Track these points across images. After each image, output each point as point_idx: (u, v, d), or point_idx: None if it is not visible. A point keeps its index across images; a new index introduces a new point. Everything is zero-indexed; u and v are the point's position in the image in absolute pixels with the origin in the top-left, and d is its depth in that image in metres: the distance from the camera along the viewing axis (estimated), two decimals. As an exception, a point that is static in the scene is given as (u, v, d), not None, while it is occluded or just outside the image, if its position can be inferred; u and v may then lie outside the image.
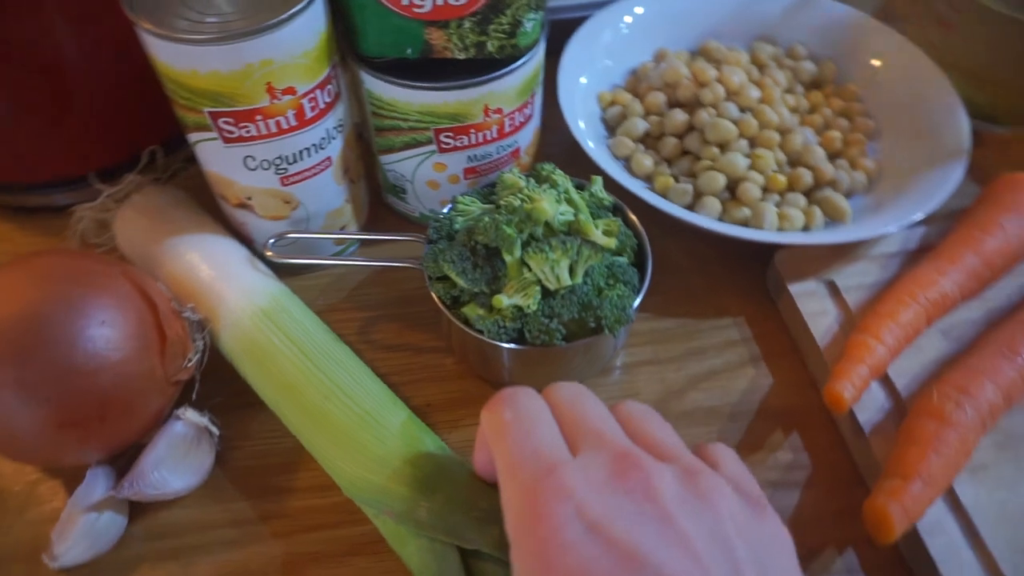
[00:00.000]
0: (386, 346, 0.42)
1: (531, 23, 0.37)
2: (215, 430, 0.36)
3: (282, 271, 0.44)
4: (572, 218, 0.36)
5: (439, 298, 0.36)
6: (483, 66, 0.38)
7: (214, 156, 0.37)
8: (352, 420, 0.34)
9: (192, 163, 0.47)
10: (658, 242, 0.42)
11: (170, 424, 0.35)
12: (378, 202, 0.48)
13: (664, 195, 0.45)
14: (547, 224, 0.35)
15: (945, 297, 0.38)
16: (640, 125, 0.47)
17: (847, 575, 0.34)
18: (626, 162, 0.47)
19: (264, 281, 0.38)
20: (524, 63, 0.39)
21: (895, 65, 0.50)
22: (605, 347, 0.38)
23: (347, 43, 0.38)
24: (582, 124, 0.46)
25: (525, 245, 0.35)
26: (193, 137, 0.37)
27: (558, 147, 0.48)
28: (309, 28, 0.34)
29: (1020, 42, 0.46)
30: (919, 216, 0.40)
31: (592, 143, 0.45)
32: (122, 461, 0.36)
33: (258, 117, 0.35)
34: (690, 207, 0.45)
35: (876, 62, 0.51)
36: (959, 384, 0.34)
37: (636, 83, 0.51)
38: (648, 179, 0.47)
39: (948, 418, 0.33)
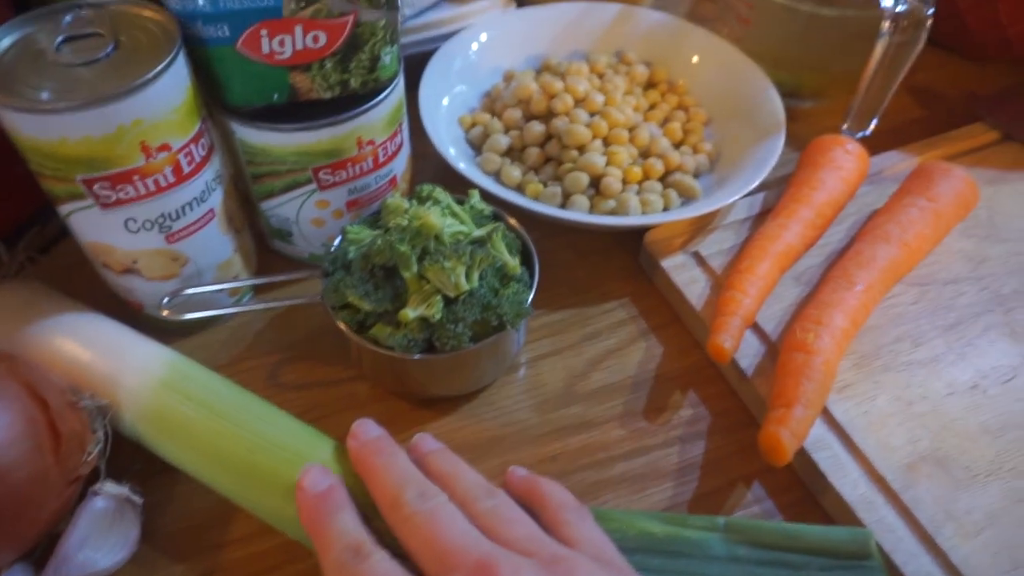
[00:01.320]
0: (297, 386, 0.42)
1: (389, 56, 0.40)
2: (137, 499, 0.35)
3: (178, 334, 0.44)
4: (459, 228, 0.38)
5: (346, 326, 0.37)
6: (349, 102, 0.40)
7: (92, 225, 0.37)
8: (283, 464, 0.34)
9: (43, 251, 0.46)
10: (539, 244, 0.45)
11: (88, 501, 0.34)
12: (265, 249, 0.48)
13: (537, 200, 0.49)
14: (437, 237, 0.37)
15: (790, 247, 0.44)
16: (503, 140, 0.51)
17: (756, 504, 0.38)
18: (496, 176, 0.51)
19: (157, 351, 0.37)
20: (388, 94, 0.41)
21: (712, 59, 0.57)
22: (509, 344, 0.40)
23: (212, 95, 0.39)
24: (452, 149, 0.49)
25: (420, 259, 0.37)
26: (65, 208, 0.36)
27: (431, 172, 0.51)
28: (176, 83, 0.35)
29: (803, 28, 0.54)
30: (754, 184, 0.46)
31: (462, 163, 0.48)
32: (39, 551, 0.34)
33: (135, 177, 0.35)
34: (562, 207, 0.48)
35: (695, 58, 0.58)
36: (814, 318, 0.40)
37: (491, 104, 0.54)
38: (519, 188, 0.50)
39: (811, 348, 0.38)
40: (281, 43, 0.37)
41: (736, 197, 0.46)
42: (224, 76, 0.38)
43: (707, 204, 0.46)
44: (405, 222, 0.37)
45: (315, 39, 0.37)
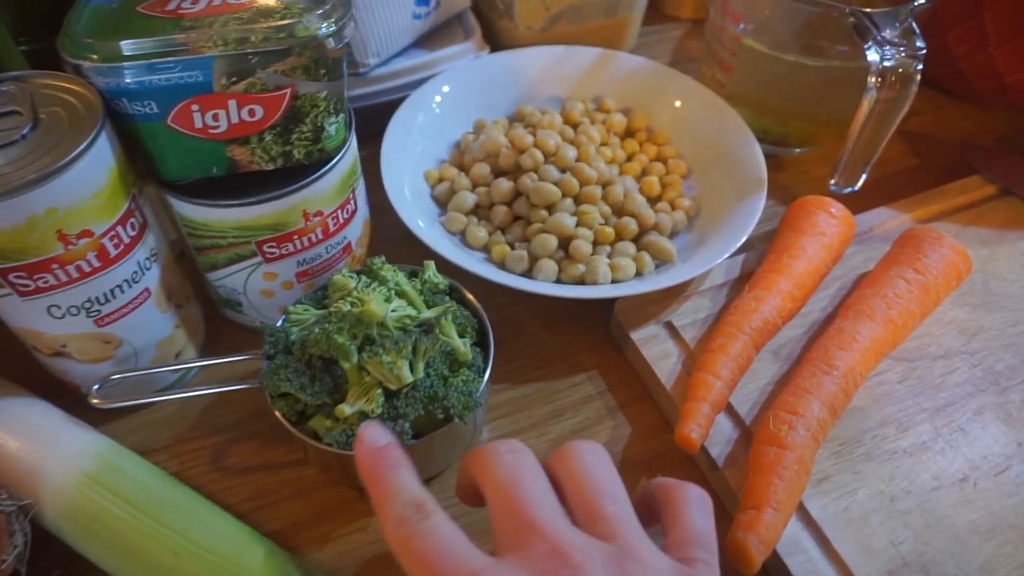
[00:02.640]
0: (242, 469, 0.40)
1: (334, 126, 0.37)
2: (57, 607, 0.33)
3: (119, 412, 0.41)
4: (407, 312, 0.36)
5: (283, 415, 0.35)
6: (294, 173, 0.38)
7: (14, 311, 0.35)
8: (209, 571, 0.32)
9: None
10: (506, 309, 0.43)
11: (1, 613, 0.32)
12: (216, 316, 0.46)
13: (502, 263, 0.46)
14: (381, 323, 0.35)
15: (767, 323, 0.41)
16: (469, 198, 0.48)
17: (726, 608, 0.36)
18: (461, 235, 0.48)
19: (86, 439, 0.35)
20: (335, 164, 0.39)
21: (694, 108, 0.54)
22: (462, 432, 0.38)
23: (147, 168, 0.37)
24: (412, 207, 0.47)
25: (361, 348, 0.35)
26: (-15, 294, 0.34)
27: (395, 229, 0.48)
28: (96, 167, 0.32)
29: (788, 77, 0.51)
30: (731, 251, 0.43)
31: (424, 224, 0.46)
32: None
33: (54, 266, 0.32)
34: (528, 271, 0.46)
35: (677, 103, 0.55)
36: (789, 406, 0.37)
37: (460, 156, 0.52)
38: (485, 249, 0.48)
39: (784, 442, 0.36)
40: (215, 117, 0.34)
41: (711, 264, 0.43)
42: (156, 151, 0.35)
43: (681, 272, 0.44)
44: (347, 307, 0.35)
45: (251, 113, 0.35)
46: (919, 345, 0.43)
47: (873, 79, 0.44)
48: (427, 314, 0.36)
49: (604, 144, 0.53)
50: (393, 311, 0.36)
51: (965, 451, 0.39)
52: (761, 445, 0.36)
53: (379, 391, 0.34)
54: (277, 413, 0.35)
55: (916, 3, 0.45)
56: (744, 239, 0.44)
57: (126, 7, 0.35)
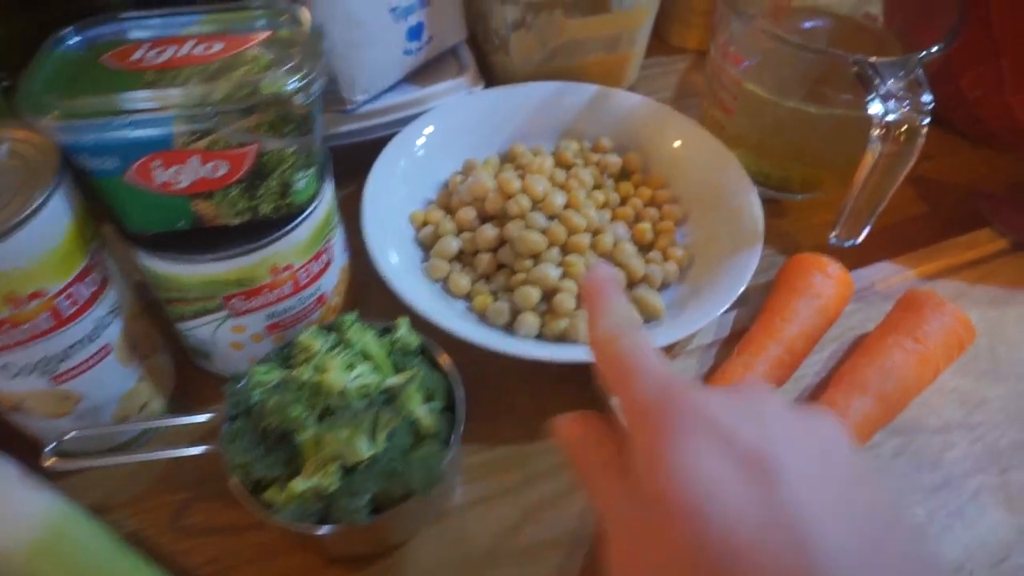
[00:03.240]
0: (203, 530, 0.39)
1: (303, 180, 0.36)
2: None
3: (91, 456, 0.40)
4: (370, 379, 0.35)
5: (240, 483, 0.34)
6: (262, 228, 0.36)
7: (-33, 368, 0.34)
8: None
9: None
10: (485, 364, 0.41)
11: None
12: (189, 363, 0.45)
13: (483, 315, 0.45)
14: (342, 393, 0.34)
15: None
16: (453, 244, 0.47)
17: None
18: (444, 283, 0.47)
19: (36, 503, 0.34)
20: (306, 218, 0.37)
21: (693, 152, 0.52)
22: (428, 504, 0.36)
23: (112, 219, 0.36)
24: (394, 255, 0.45)
25: (321, 418, 0.33)
26: (-61, 351, 0.33)
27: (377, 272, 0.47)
28: (50, 226, 0.31)
29: (789, 123, 0.49)
30: (719, 311, 0.41)
31: (405, 271, 0.45)
32: None
33: (4, 327, 0.31)
34: (509, 324, 0.44)
35: (676, 144, 0.53)
36: None
37: (447, 198, 0.50)
38: (468, 297, 0.46)
39: None
40: (177, 173, 0.33)
41: (698, 326, 0.41)
42: (118, 205, 0.34)
43: (666, 333, 0.42)
44: (307, 374, 0.33)
45: (215, 169, 0.33)
46: (917, 416, 0.41)
47: (876, 132, 0.42)
48: (392, 381, 0.35)
49: (597, 187, 0.51)
50: (355, 378, 0.34)
51: (962, 537, 0.36)
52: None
53: (336, 465, 0.32)
54: (232, 482, 0.34)
55: (924, 53, 0.42)
56: (735, 296, 0.42)
57: (91, 57, 0.34)
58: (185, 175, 0.33)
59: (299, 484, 0.32)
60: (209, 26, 0.35)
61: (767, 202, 0.55)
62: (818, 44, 0.55)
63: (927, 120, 0.41)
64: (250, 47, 0.34)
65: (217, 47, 0.34)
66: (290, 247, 0.37)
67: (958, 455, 0.39)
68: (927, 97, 0.41)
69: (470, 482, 0.41)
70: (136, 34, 0.35)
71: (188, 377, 0.45)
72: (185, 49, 0.33)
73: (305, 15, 0.36)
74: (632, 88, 0.63)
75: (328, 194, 0.39)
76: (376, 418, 0.33)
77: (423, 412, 0.35)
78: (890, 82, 0.42)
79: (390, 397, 0.35)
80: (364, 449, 0.32)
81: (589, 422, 0.27)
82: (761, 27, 0.45)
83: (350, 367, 0.34)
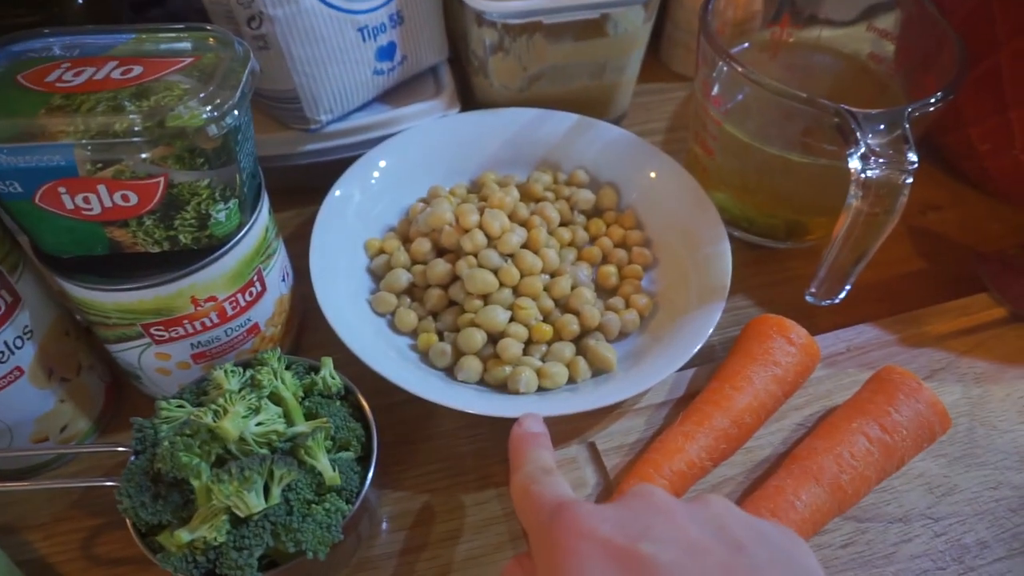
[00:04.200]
0: (112, 560, 0.38)
1: (223, 213, 0.34)
2: None
3: (11, 476, 0.40)
4: (274, 427, 0.33)
5: (132, 524, 0.32)
6: (186, 255, 0.35)
7: None
8: None
9: None
10: (422, 404, 0.39)
11: None
12: (126, 382, 0.44)
13: (426, 355, 0.43)
14: (242, 439, 0.32)
15: (692, 466, 0.36)
16: (403, 278, 0.45)
17: None
18: (391, 317, 0.45)
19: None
20: (230, 250, 0.36)
21: (669, 189, 0.50)
22: (338, 553, 0.34)
23: (28, 239, 0.35)
24: (340, 291, 0.43)
25: (218, 464, 0.32)
26: None
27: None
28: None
29: (770, 170, 0.46)
30: (670, 372, 0.39)
31: (351, 306, 0.43)
32: None
33: (-102, 350, 0.31)
34: (450, 367, 0.42)
35: (653, 184, 0.51)
36: None
37: (407, 226, 0.48)
38: (414, 334, 0.44)
39: None
40: (86, 200, 0.32)
41: (650, 384, 0.39)
42: (32, 229, 0.33)
43: (617, 388, 0.39)
44: (207, 417, 0.32)
45: (124, 198, 0.32)
46: (876, 502, 0.37)
47: (854, 189, 0.39)
48: (296, 430, 0.33)
49: (565, 224, 0.49)
50: (259, 424, 0.33)
51: (906, 644, 0.33)
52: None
53: (225, 517, 0.31)
54: (128, 521, 0.33)
55: (912, 108, 0.39)
56: (688, 358, 0.39)
57: (9, 73, 0.33)
58: (95, 202, 0.32)
59: (184, 535, 0.30)
60: (134, 47, 0.34)
61: (751, 248, 0.52)
62: (816, 84, 0.52)
63: (910, 180, 0.38)
64: (169, 73, 0.32)
65: (136, 71, 0.32)
66: (212, 278, 0.36)
67: (916, 550, 0.36)
68: (912, 156, 0.38)
69: (394, 531, 0.39)
70: (60, 52, 0.34)
71: (125, 395, 0.44)
72: (104, 72, 0.32)
73: (234, 40, 0.34)
74: (624, 116, 0.61)
75: (260, 222, 0.38)
76: (271, 470, 0.31)
77: (326, 465, 0.33)
78: (872, 136, 0.39)
79: (293, 447, 0.33)
80: (253, 503, 0.31)
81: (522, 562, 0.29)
82: (740, 70, 0.42)
83: (255, 411, 0.33)
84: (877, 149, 0.38)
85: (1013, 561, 0.36)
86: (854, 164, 0.39)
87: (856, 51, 0.52)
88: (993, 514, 0.37)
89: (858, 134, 0.39)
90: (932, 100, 0.40)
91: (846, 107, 0.39)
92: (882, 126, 0.39)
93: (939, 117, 0.44)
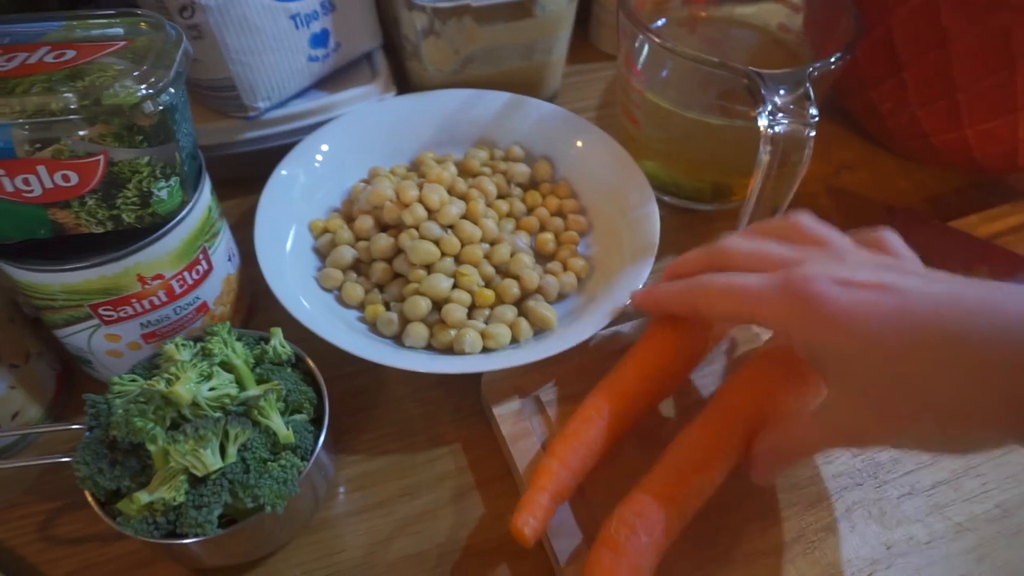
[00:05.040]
0: (70, 540, 0.38)
1: (166, 191, 0.36)
2: None
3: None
4: (226, 391, 0.34)
5: (92, 495, 0.33)
6: (128, 236, 0.36)
7: None
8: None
9: None
10: (373, 372, 0.41)
11: None
12: (79, 370, 0.44)
13: (374, 325, 0.45)
14: (195, 403, 0.33)
15: (629, 408, 0.38)
16: (348, 253, 0.47)
17: None
18: (338, 292, 0.46)
19: None
20: (173, 227, 0.37)
21: (600, 158, 0.52)
22: (295, 510, 0.36)
23: (-27, 227, 0.35)
24: (286, 268, 0.45)
25: (173, 428, 0.33)
26: None
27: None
28: None
29: (693, 134, 0.49)
30: (603, 325, 0.41)
31: (298, 282, 0.44)
32: None
33: None
34: (398, 335, 0.44)
35: (584, 154, 0.53)
36: (635, 508, 0.34)
37: (349, 206, 0.50)
38: (361, 307, 0.46)
39: (622, 548, 0.33)
40: (26, 182, 0.33)
41: (584, 336, 0.41)
42: (-29, 212, 0.34)
43: (555, 342, 0.41)
44: (162, 384, 0.33)
45: (65, 178, 0.33)
46: (799, 431, 0.40)
47: (764, 144, 0.42)
48: (248, 394, 0.35)
49: (503, 196, 0.51)
50: (211, 389, 0.34)
51: (829, 554, 0.36)
52: (599, 548, 0.34)
53: (183, 478, 0.32)
54: (87, 493, 0.33)
55: (811, 69, 0.42)
56: (617, 313, 0.42)
57: (-56, 63, 0.33)
58: (36, 184, 0.33)
59: (143, 496, 0.31)
60: (65, 33, 0.35)
61: (681, 212, 0.55)
62: (732, 55, 0.55)
63: (812, 133, 0.41)
64: (102, 55, 0.33)
65: (69, 55, 0.33)
66: (158, 256, 0.37)
67: (836, 470, 0.39)
68: (813, 111, 0.41)
69: (351, 492, 0.40)
70: (-9, 39, 0.35)
71: (76, 383, 0.44)
72: (36, 56, 0.33)
73: (165, 24, 0.35)
74: (556, 95, 0.63)
75: (203, 202, 0.39)
76: (226, 430, 0.33)
77: (279, 424, 0.34)
78: (778, 95, 0.42)
79: (246, 409, 0.34)
80: (210, 461, 0.32)
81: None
82: (658, 41, 0.45)
83: (207, 378, 0.34)
84: (782, 106, 0.41)
85: (920, 472, 0.39)
86: (762, 121, 0.42)
87: (767, 23, 0.55)
88: (903, 435, 0.41)
89: (765, 93, 0.42)
90: (831, 60, 0.43)
91: (754, 69, 0.42)
92: (787, 85, 0.42)
93: (842, 79, 0.48)
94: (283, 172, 0.48)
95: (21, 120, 0.30)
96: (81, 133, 0.31)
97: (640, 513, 0.34)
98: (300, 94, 0.53)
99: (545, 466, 0.36)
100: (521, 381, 0.42)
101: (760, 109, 0.42)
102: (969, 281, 0.28)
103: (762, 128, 0.42)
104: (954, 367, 0.26)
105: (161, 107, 0.32)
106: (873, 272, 0.29)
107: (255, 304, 0.48)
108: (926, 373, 0.26)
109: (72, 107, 0.31)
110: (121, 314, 0.38)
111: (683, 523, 0.35)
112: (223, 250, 0.42)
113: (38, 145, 0.31)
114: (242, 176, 0.51)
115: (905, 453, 0.40)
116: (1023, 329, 0.25)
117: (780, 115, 0.41)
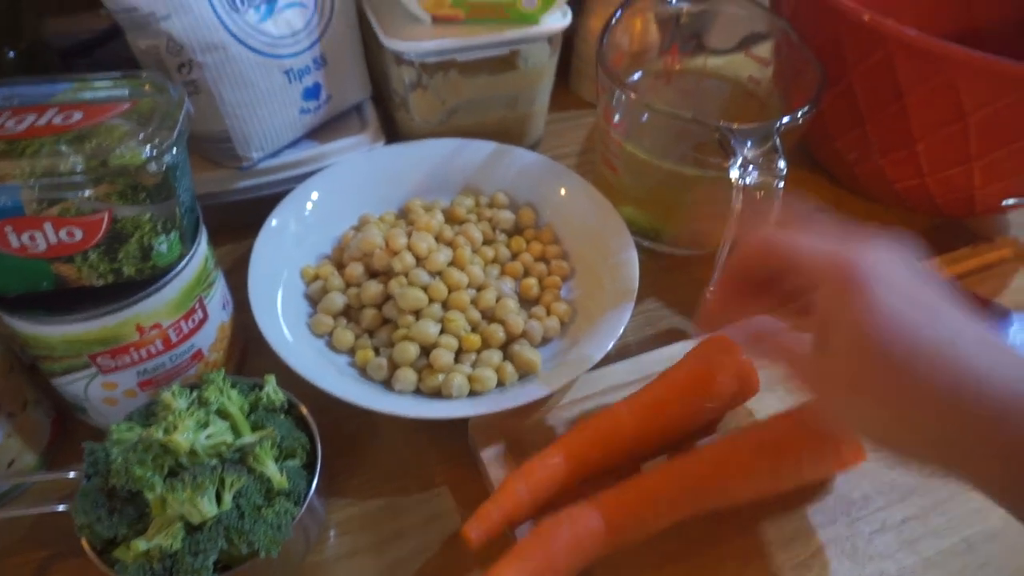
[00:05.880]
0: (65, 587, 0.39)
1: (165, 244, 0.37)
2: None
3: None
4: (222, 438, 0.35)
5: (88, 543, 0.34)
6: (127, 289, 0.37)
7: None
8: None
9: None
10: (363, 416, 0.42)
11: None
12: (73, 417, 0.45)
13: (364, 370, 0.46)
14: (193, 451, 0.34)
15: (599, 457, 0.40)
16: (338, 300, 0.48)
17: None
18: (329, 337, 0.48)
19: None
20: (172, 278, 0.38)
21: (581, 205, 0.54)
22: (279, 562, 0.37)
23: (-24, 280, 0.37)
24: (279, 315, 0.46)
25: (173, 475, 0.34)
26: None
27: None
28: None
29: (669, 183, 0.51)
30: (585, 369, 0.43)
31: (291, 329, 0.46)
32: None
33: None
34: (387, 380, 0.45)
35: (566, 201, 0.55)
36: (573, 512, 0.37)
37: (340, 253, 0.52)
38: (352, 352, 0.47)
39: (545, 535, 0.36)
40: (32, 238, 0.34)
41: (566, 381, 0.43)
42: (-23, 267, 0.35)
43: (539, 386, 0.43)
44: (159, 433, 0.34)
45: (70, 234, 0.34)
46: (774, 470, 0.42)
47: (736, 194, 0.44)
48: (243, 441, 0.36)
49: (488, 243, 0.53)
50: (208, 437, 0.35)
51: (804, 590, 0.38)
52: (528, 538, 0.36)
53: (180, 524, 0.33)
54: (83, 542, 0.34)
55: (779, 124, 0.45)
56: (603, 354, 0.44)
57: (-46, 124, 0.35)
58: (41, 240, 0.34)
59: (141, 543, 0.32)
60: (73, 95, 0.37)
61: (660, 257, 0.57)
62: (706, 105, 0.58)
63: (782, 184, 0.44)
64: (109, 117, 0.35)
65: (77, 116, 0.35)
66: (156, 306, 0.38)
67: (810, 509, 0.41)
68: (781, 163, 0.44)
69: (342, 535, 0.41)
70: (1, 102, 0.36)
71: (71, 429, 0.45)
72: (45, 118, 0.35)
73: (168, 86, 0.37)
74: (538, 143, 0.66)
75: (200, 253, 0.40)
76: (222, 478, 0.34)
77: (274, 471, 0.35)
78: (748, 148, 0.44)
79: (242, 456, 0.35)
80: (206, 509, 0.33)
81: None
82: (634, 96, 0.47)
83: (204, 426, 0.35)
84: (752, 159, 0.44)
85: (891, 509, 0.41)
86: (734, 173, 0.44)
87: (738, 75, 0.58)
88: (874, 472, 0.42)
89: (735, 146, 0.44)
90: (798, 115, 0.46)
91: (725, 124, 0.45)
92: (756, 139, 0.45)
93: (810, 131, 0.51)
94: (273, 223, 0.50)
95: (32, 181, 0.32)
96: (87, 193, 0.33)
97: (573, 516, 0.36)
98: (292, 144, 0.55)
99: (509, 483, 0.38)
100: (507, 424, 0.44)
101: (732, 161, 0.44)
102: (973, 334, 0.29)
103: (734, 180, 0.44)
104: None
105: (164, 167, 0.34)
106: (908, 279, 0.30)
107: (248, 349, 0.49)
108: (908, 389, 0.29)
109: (79, 168, 0.32)
110: (119, 363, 0.39)
111: (618, 540, 0.37)
112: (218, 298, 0.43)
113: (45, 203, 0.33)
114: (236, 223, 0.53)
115: (875, 490, 0.42)
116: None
117: (751, 167, 0.44)
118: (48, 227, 0.34)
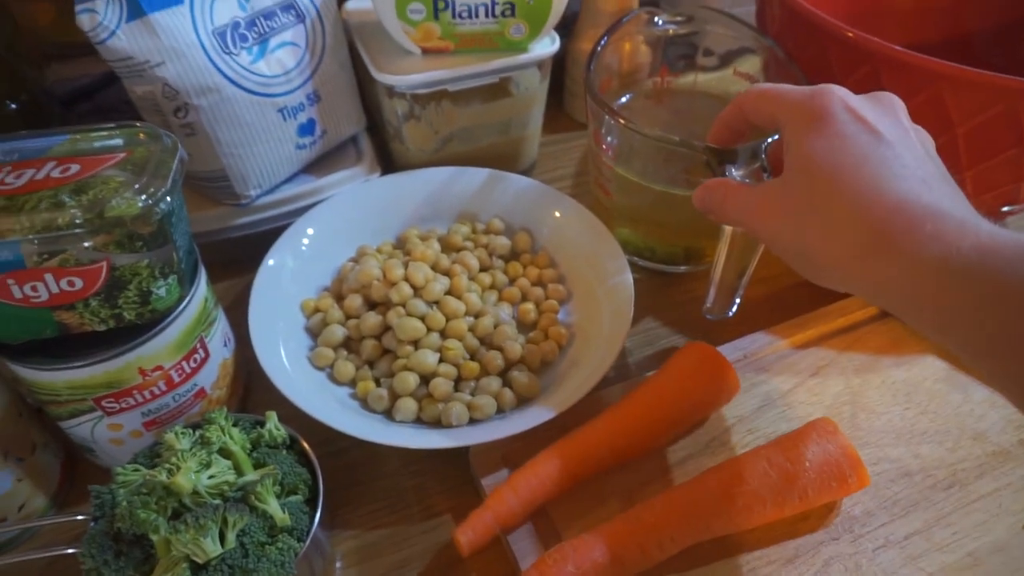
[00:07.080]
0: (77, 628, 0.39)
1: (164, 288, 0.38)
2: None
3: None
4: (225, 478, 0.36)
5: (97, 586, 0.35)
6: (131, 329, 0.38)
7: None
8: None
9: None
10: (365, 447, 0.42)
11: None
12: (82, 458, 0.46)
13: (365, 401, 0.46)
14: (196, 492, 0.35)
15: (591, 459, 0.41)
16: (338, 332, 0.49)
17: None
18: (329, 370, 0.48)
19: None
20: (172, 321, 0.39)
21: (576, 229, 0.55)
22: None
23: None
24: (280, 350, 0.47)
25: (176, 516, 0.34)
26: None
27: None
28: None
29: (661, 203, 0.51)
30: (580, 396, 0.43)
31: (293, 363, 0.46)
32: None
33: None
34: (388, 410, 0.46)
35: (561, 225, 0.56)
36: (578, 544, 0.37)
37: (339, 285, 0.52)
38: (352, 383, 0.48)
39: (547, 569, 0.36)
40: (34, 289, 0.35)
41: (565, 407, 0.43)
42: (-19, 318, 0.36)
43: (539, 412, 0.43)
44: (162, 475, 0.35)
45: (70, 284, 0.35)
46: (774, 486, 0.42)
47: (727, 215, 0.44)
48: (245, 479, 0.36)
49: (485, 269, 0.54)
50: (211, 477, 0.36)
51: (808, 609, 0.38)
52: (529, 571, 0.36)
53: (185, 565, 0.34)
54: (90, 583, 0.35)
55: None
56: (600, 378, 0.44)
57: (-45, 180, 0.36)
58: (42, 290, 0.35)
59: (146, 586, 0.33)
60: (70, 147, 0.38)
61: (656, 275, 0.58)
62: (699, 123, 0.59)
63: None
64: (105, 168, 0.36)
65: (74, 169, 0.36)
66: (158, 349, 0.39)
67: (811, 525, 0.41)
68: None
69: (347, 567, 0.42)
70: (0, 157, 0.37)
71: (81, 470, 0.46)
72: (43, 171, 0.36)
73: (162, 134, 0.38)
74: (533, 166, 0.67)
75: (199, 294, 0.41)
76: (225, 517, 0.34)
77: (276, 508, 0.36)
78: (736, 168, 0.45)
79: (244, 494, 0.36)
80: (210, 549, 0.34)
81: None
82: (623, 122, 0.48)
83: (207, 466, 0.36)
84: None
85: (894, 524, 0.41)
86: (723, 194, 0.44)
87: (727, 91, 0.59)
88: (876, 486, 0.42)
89: (723, 167, 0.45)
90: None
91: (712, 145, 0.45)
92: (744, 158, 0.45)
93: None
94: (270, 262, 0.50)
95: (31, 236, 0.33)
96: (86, 244, 0.34)
97: (578, 547, 0.36)
98: (289, 179, 0.56)
99: (499, 491, 0.39)
100: (507, 450, 0.44)
101: (720, 182, 0.45)
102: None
103: (723, 200, 0.44)
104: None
105: (160, 215, 0.35)
106: (875, 115, 0.34)
107: (250, 385, 0.50)
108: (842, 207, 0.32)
109: (78, 221, 0.33)
110: (123, 405, 0.40)
111: (622, 572, 0.37)
112: (219, 337, 0.44)
113: (45, 256, 0.34)
114: (236, 259, 0.54)
115: (878, 505, 0.42)
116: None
117: (739, 187, 0.44)
118: (49, 278, 0.35)
